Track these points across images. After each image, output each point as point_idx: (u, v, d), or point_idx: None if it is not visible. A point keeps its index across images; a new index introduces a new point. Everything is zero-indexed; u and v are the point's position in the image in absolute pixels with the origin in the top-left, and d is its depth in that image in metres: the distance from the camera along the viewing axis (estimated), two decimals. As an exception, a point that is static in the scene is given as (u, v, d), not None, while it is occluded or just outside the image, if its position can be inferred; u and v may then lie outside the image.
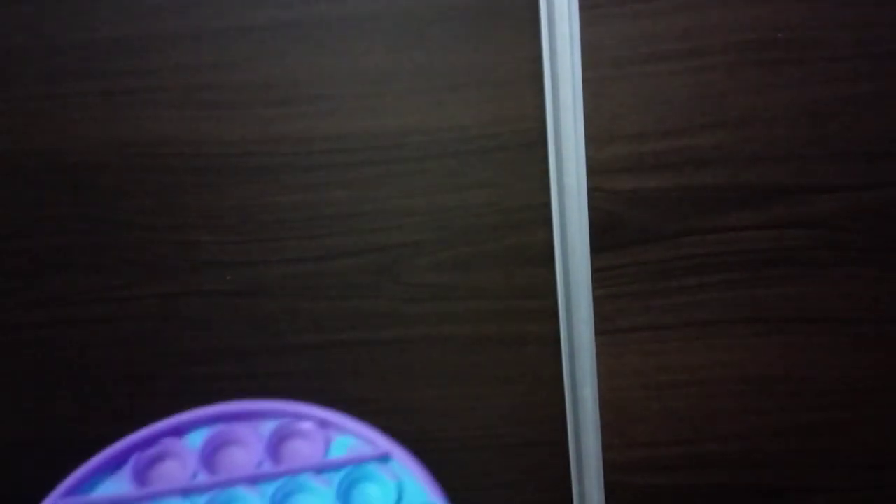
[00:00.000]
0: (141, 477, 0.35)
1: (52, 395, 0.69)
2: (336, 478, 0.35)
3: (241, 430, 0.36)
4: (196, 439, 0.36)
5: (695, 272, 0.65)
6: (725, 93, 0.62)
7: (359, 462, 0.36)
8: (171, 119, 0.64)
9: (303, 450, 0.37)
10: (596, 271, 0.65)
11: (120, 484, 0.35)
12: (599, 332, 0.67)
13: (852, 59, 0.60)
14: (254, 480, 0.35)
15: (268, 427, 0.36)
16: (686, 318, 0.66)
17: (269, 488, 0.35)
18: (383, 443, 0.36)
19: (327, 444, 0.37)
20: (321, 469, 0.35)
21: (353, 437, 0.37)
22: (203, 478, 0.35)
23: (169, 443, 0.36)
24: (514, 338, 0.68)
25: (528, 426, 0.71)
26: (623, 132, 0.62)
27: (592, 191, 0.63)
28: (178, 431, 0.36)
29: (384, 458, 0.36)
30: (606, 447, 0.70)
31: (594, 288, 0.66)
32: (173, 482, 0.35)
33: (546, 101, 0.62)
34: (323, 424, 0.37)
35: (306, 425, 0.37)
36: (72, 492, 0.34)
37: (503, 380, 0.70)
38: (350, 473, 0.36)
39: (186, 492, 0.34)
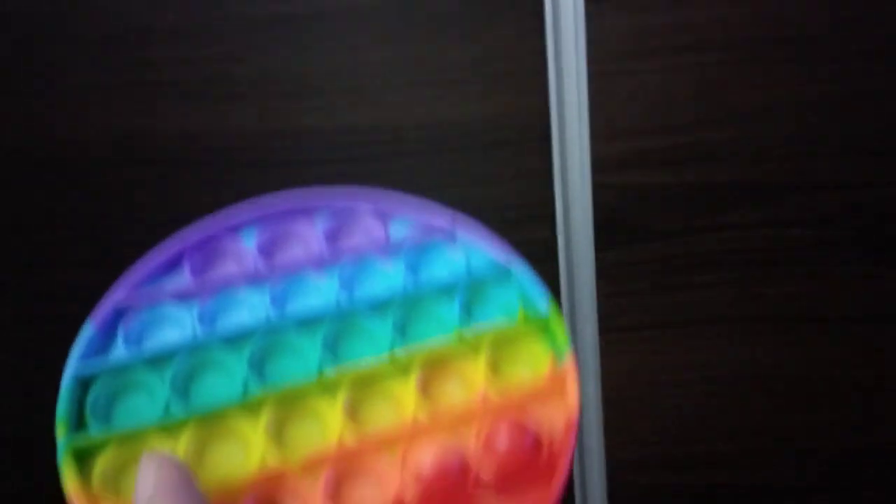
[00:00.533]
0: (200, 274, 0.33)
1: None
2: (401, 255, 0.34)
3: (293, 224, 0.35)
4: (249, 238, 0.34)
5: (699, 270, 0.65)
6: (731, 89, 0.61)
7: (423, 238, 0.34)
8: (169, 112, 0.63)
9: (361, 236, 0.35)
10: (599, 268, 0.65)
11: (181, 279, 0.33)
12: (603, 329, 0.66)
13: (856, 55, 0.60)
14: (319, 264, 0.33)
15: (321, 219, 0.35)
16: (690, 315, 0.66)
17: (336, 271, 0.33)
18: (445, 214, 0.34)
19: (386, 228, 0.35)
20: (385, 249, 0.34)
21: (411, 219, 0.35)
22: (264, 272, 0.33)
23: (223, 241, 0.34)
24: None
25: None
26: (628, 128, 0.62)
27: (596, 187, 0.63)
28: (231, 229, 0.34)
29: (449, 232, 0.34)
30: (609, 445, 0.70)
31: (598, 285, 0.65)
32: (232, 279, 0.33)
33: (550, 95, 0.61)
34: (379, 209, 0.35)
35: (361, 215, 0.35)
36: (129, 291, 0.32)
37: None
38: (415, 249, 0.34)
39: (253, 280, 0.33)
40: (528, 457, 0.30)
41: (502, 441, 0.30)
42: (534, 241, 0.65)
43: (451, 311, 0.33)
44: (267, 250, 0.34)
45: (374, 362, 0.31)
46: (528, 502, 0.30)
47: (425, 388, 0.31)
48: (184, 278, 0.33)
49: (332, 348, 0.32)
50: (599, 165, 0.63)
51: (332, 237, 0.35)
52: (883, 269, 0.65)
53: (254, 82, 0.63)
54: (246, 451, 0.30)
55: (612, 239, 0.64)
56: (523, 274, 0.33)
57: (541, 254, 0.66)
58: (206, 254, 0.34)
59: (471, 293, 0.33)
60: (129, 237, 0.66)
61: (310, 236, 0.34)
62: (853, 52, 0.60)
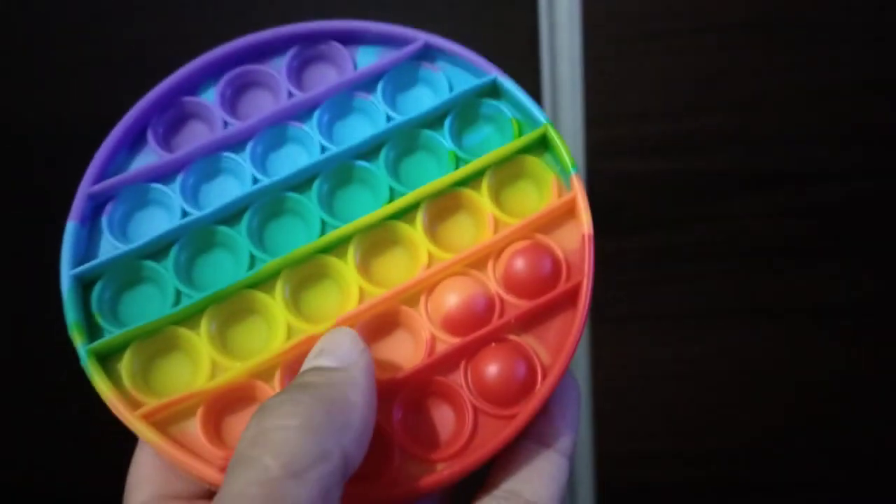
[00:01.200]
0: (166, 145, 0.31)
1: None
2: (377, 86, 0.31)
3: (254, 71, 0.32)
4: (209, 94, 0.31)
5: (693, 260, 0.64)
6: (728, 75, 0.61)
7: (397, 62, 0.31)
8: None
9: (329, 72, 0.32)
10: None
11: (148, 159, 0.31)
12: (595, 320, 0.66)
13: (858, 43, 0.60)
14: (292, 113, 0.31)
15: (283, 61, 0.32)
16: (683, 307, 0.65)
17: (314, 118, 0.31)
18: (416, 35, 0.32)
19: (354, 60, 0.32)
20: (359, 80, 0.31)
21: (379, 46, 0.32)
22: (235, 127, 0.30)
23: (183, 103, 0.31)
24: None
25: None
26: (623, 113, 0.61)
27: (589, 174, 0.62)
28: (189, 89, 0.32)
29: (422, 54, 0.32)
30: (599, 439, 0.69)
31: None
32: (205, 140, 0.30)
33: (543, 80, 0.60)
34: (343, 39, 0.32)
35: (324, 46, 0.32)
36: (99, 178, 0.30)
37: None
38: (391, 79, 0.31)
39: (228, 142, 0.30)
40: (549, 281, 0.29)
41: (521, 270, 0.29)
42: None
43: (442, 139, 0.31)
44: (230, 104, 0.32)
45: (376, 213, 0.29)
46: (553, 332, 0.29)
47: (433, 229, 0.30)
48: (153, 153, 0.31)
49: (329, 205, 0.30)
50: (593, 152, 0.62)
51: (299, 77, 0.32)
52: (879, 261, 0.64)
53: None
54: (269, 325, 0.29)
55: (606, 227, 0.63)
56: (515, 91, 0.31)
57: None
58: (169, 121, 0.32)
59: (461, 116, 0.31)
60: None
61: (274, 80, 0.32)
62: (852, 40, 0.60)
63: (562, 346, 0.28)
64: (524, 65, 0.60)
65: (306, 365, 0.26)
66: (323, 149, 0.30)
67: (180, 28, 0.61)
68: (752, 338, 0.66)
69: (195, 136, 0.31)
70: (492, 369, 0.27)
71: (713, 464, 0.69)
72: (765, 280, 0.65)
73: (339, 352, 0.25)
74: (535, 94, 0.61)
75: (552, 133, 0.30)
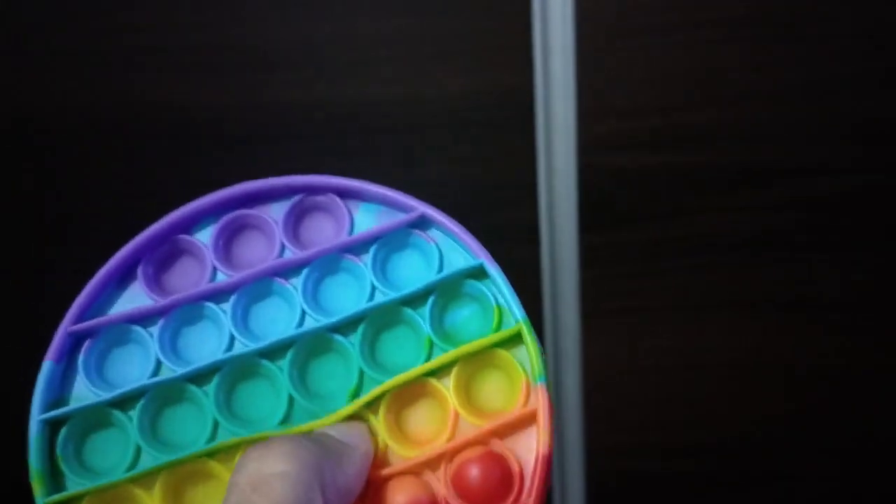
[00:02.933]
0: (155, 284, 0.32)
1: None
2: (369, 250, 0.32)
3: (251, 215, 0.33)
4: (204, 234, 0.32)
5: (685, 253, 0.64)
6: (721, 69, 0.60)
7: (391, 230, 0.32)
8: (149, 83, 0.62)
9: (325, 226, 0.33)
10: (583, 251, 0.64)
11: (135, 296, 0.32)
12: (585, 313, 0.66)
13: (851, 38, 0.60)
14: (281, 270, 0.32)
15: (281, 208, 0.32)
16: (675, 300, 0.66)
17: (301, 279, 0.31)
18: (414, 204, 0.32)
19: (351, 216, 0.33)
20: (351, 244, 0.32)
21: (377, 204, 0.33)
22: (224, 275, 0.32)
23: (177, 241, 0.32)
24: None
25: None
26: (616, 107, 0.61)
27: (582, 168, 0.62)
28: (184, 227, 0.32)
29: (418, 223, 0.32)
30: (589, 431, 0.69)
31: (581, 268, 0.65)
32: (192, 284, 0.32)
33: (536, 73, 0.60)
34: (342, 194, 0.33)
35: (323, 198, 0.33)
36: (83, 317, 0.31)
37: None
38: (383, 244, 0.32)
39: (213, 295, 0.31)
40: (500, 490, 0.29)
41: (473, 478, 0.29)
42: (516, 222, 0.64)
43: (423, 319, 0.31)
44: (224, 247, 0.32)
45: (344, 410, 0.30)
46: None
47: (396, 418, 0.30)
48: (139, 293, 0.31)
49: (302, 379, 0.31)
50: (585, 146, 0.62)
51: (297, 226, 0.33)
52: (872, 255, 0.64)
53: (235, 53, 0.61)
54: (223, 492, 0.29)
55: (597, 221, 0.63)
56: (500, 279, 0.31)
57: (523, 235, 0.65)
58: (160, 258, 0.32)
59: (443, 294, 0.32)
60: (97, 208, 0.64)
61: (270, 228, 0.32)
62: (845, 35, 0.59)
63: None
64: (517, 59, 0.60)
65: (317, 431, 0.27)
66: (303, 313, 0.31)
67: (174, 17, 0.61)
68: (744, 331, 0.66)
69: (186, 275, 0.32)
70: None
71: (704, 456, 0.70)
72: (756, 274, 0.65)
73: (349, 434, 0.27)
74: (529, 88, 0.60)
75: (526, 334, 0.30)
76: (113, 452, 0.30)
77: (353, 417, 0.30)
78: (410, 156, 0.63)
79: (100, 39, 0.61)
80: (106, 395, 0.30)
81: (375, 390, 0.30)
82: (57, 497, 0.29)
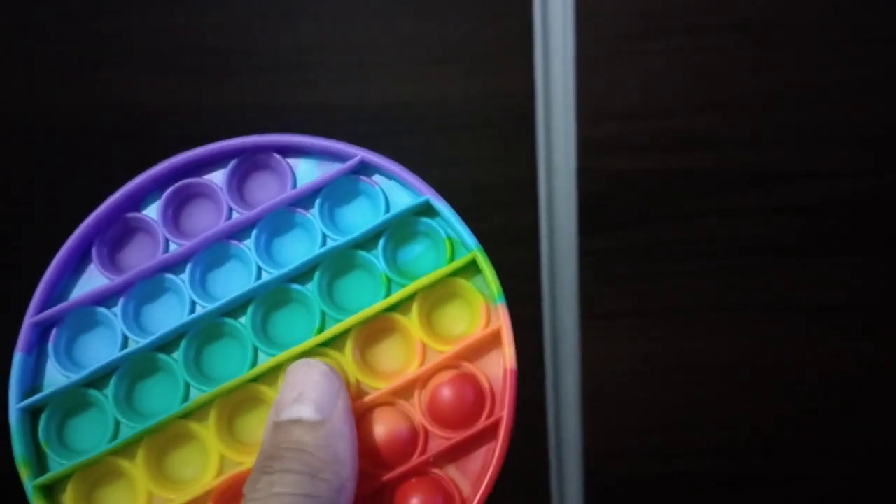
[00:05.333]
0: (110, 264, 0.32)
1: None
2: (315, 201, 0.32)
3: (195, 184, 0.33)
4: (152, 210, 0.33)
5: (684, 257, 0.64)
6: (720, 74, 0.61)
7: (333, 178, 0.33)
8: (144, 83, 0.62)
9: (269, 184, 0.33)
10: (583, 254, 0.64)
11: (93, 279, 0.32)
12: (584, 315, 0.66)
13: (848, 43, 0.60)
14: (232, 233, 0.32)
15: (224, 173, 0.33)
16: (674, 303, 0.66)
17: (252, 236, 0.32)
18: (353, 151, 0.33)
19: (293, 171, 0.33)
20: (297, 197, 0.32)
21: (318, 157, 0.33)
22: (177, 246, 0.32)
23: (126, 220, 0.33)
24: (495, 320, 0.67)
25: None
26: (615, 111, 0.61)
27: (581, 171, 0.62)
28: (131, 204, 0.33)
29: (360, 169, 0.33)
30: (588, 434, 0.69)
31: (580, 271, 0.65)
32: (147, 259, 0.32)
33: (536, 76, 0.60)
34: (282, 151, 0.33)
35: (265, 158, 0.33)
36: (45, 306, 0.32)
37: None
38: (328, 193, 0.33)
39: (168, 266, 0.32)
40: (474, 410, 0.30)
41: (446, 402, 0.30)
42: (516, 224, 0.64)
43: (376, 261, 0.32)
44: (173, 219, 0.33)
45: (306, 343, 0.30)
46: (475, 464, 0.30)
47: (363, 355, 0.31)
48: (96, 275, 0.32)
49: (264, 331, 0.31)
50: (585, 149, 0.62)
51: (241, 187, 0.33)
52: (869, 259, 0.64)
53: (233, 55, 0.61)
54: (204, 453, 0.30)
55: (596, 224, 0.64)
56: (448, 212, 0.32)
57: (523, 238, 0.65)
58: (113, 238, 0.33)
59: (395, 235, 0.32)
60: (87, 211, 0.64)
61: (216, 193, 0.33)
62: (840, 41, 0.60)
63: (481, 480, 0.29)
64: (517, 61, 0.60)
65: (286, 413, 0.26)
66: (259, 270, 0.32)
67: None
68: (741, 334, 0.66)
69: (140, 251, 0.33)
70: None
71: (701, 459, 0.70)
72: (753, 277, 0.65)
73: (318, 396, 0.26)
74: (528, 92, 0.60)
75: (481, 259, 0.31)
76: (94, 431, 0.31)
77: (318, 354, 0.30)
78: (411, 158, 0.63)
79: (100, 41, 0.61)
80: (77, 376, 0.30)
81: (337, 326, 0.30)
82: (44, 479, 0.29)
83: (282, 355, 0.30)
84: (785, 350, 0.67)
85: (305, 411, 0.26)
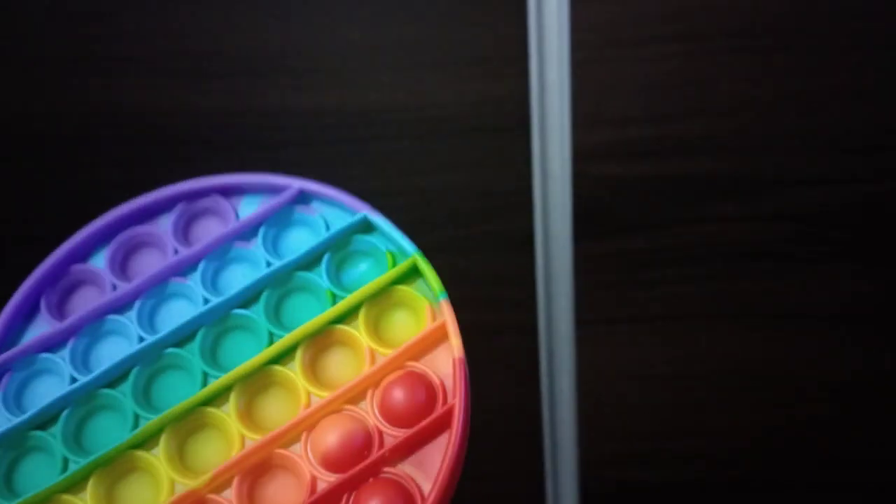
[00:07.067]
0: (58, 313, 0.33)
1: None
2: (258, 232, 0.33)
3: (141, 233, 0.34)
4: (99, 260, 0.33)
5: (679, 263, 0.64)
6: (715, 80, 0.61)
7: (273, 210, 0.33)
8: (141, 88, 0.62)
9: (213, 226, 0.34)
10: (577, 260, 0.64)
11: (42, 327, 0.32)
12: (579, 322, 0.66)
13: (843, 49, 0.60)
14: (177, 270, 0.33)
15: (169, 219, 0.34)
16: (669, 310, 0.66)
17: (198, 272, 0.33)
18: (289, 182, 0.34)
19: (236, 211, 0.34)
20: (239, 231, 0.33)
21: (259, 194, 0.34)
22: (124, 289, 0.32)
23: (75, 270, 0.33)
24: (490, 327, 0.67)
25: (502, 417, 0.70)
26: (610, 117, 0.61)
27: (576, 177, 0.62)
28: (80, 255, 0.33)
29: (299, 199, 0.34)
30: (583, 440, 0.69)
31: (575, 277, 0.65)
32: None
33: (531, 82, 0.60)
34: (225, 192, 0.34)
35: (208, 201, 0.34)
36: None
37: (478, 369, 0.68)
38: (271, 225, 0.33)
39: (115, 306, 0.32)
40: (425, 407, 0.30)
41: (398, 400, 0.30)
42: (511, 230, 0.64)
43: (319, 280, 0.32)
44: (120, 267, 0.33)
45: (255, 360, 0.31)
46: (431, 458, 0.29)
47: (312, 369, 0.31)
48: (45, 322, 0.32)
49: (213, 356, 0.31)
50: (580, 155, 0.62)
51: (184, 233, 0.34)
52: (862, 266, 0.65)
53: (229, 59, 0.61)
54: (154, 483, 0.30)
55: (591, 230, 0.64)
56: (385, 225, 0.33)
57: (518, 244, 0.65)
58: (62, 289, 0.33)
59: (337, 254, 0.33)
60: (92, 214, 0.64)
61: (161, 239, 0.34)
62: (840, 46, 0.60)
63: (439, 472, 0.29)
64: (512, 67, 0.60)
65: None
66: (206, 301, 0.32)
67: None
68: (735, 341, 0.66)
69: (88, 300, 0.33)
70: None
71: (695, 466, 0.70)
72: (747, 284, 0.65)
73: None
74: (524, 98, 0.60)
75: (421, 262, 0.32)
76: (42, 474, 0.30)
77: (264, 370, 0.31)
78: (406, 164, 0.63)
79: (97, 46, 0.61)
80: (23, 417, 0.30)
81: (284, 339, 0.31)
82: None
83: (230, 375, 0.30)
84: (780, 357, 0.67)
85: None
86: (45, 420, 0.30)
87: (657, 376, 0.67)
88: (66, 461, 0.30)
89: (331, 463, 0.29)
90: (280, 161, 0.63)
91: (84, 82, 0.61)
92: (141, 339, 0.31)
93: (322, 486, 0.29)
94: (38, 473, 0.30)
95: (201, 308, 0.32)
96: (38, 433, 0.30)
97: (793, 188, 0.63)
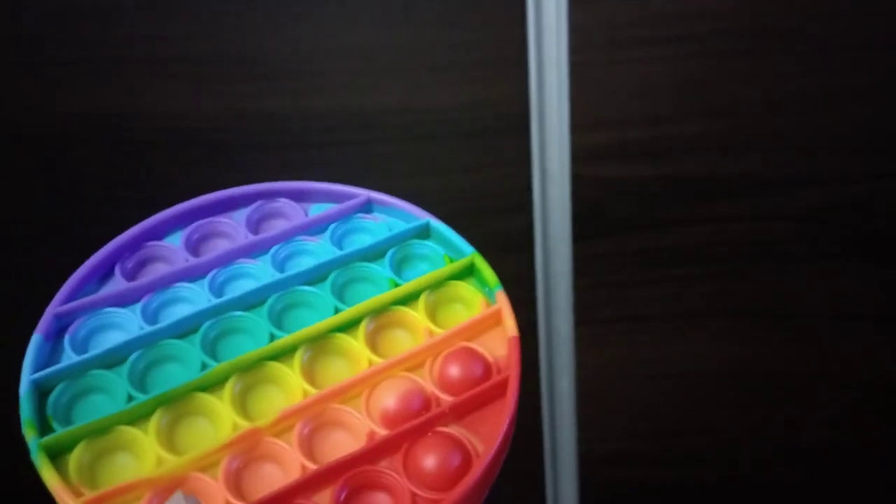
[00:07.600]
0: (133, 279, 0.34)
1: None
2: (326, 232, 0.36)
3: (216, 222, 0.36)
4: (175, 239, 0.35)
5: (676, 263, 0.65)
6: (711, 81, 0.61)
7: (342, 214, 0.36)
8: (141, 91, 0.62)
9: (283, 224, 0.37)
10: (576, 260, 0.64)
11: (116, 286, 0.34)
12: (578, 321, 0.66)
13: (838, 50, 0.60)
14: (248, 252, 0.35)
15: (243, 213, 0.36)
16: (666, 309, 0.66)
17: (268, 256, 0.35)
18: (358, 191, 0.37)
19: (306, 213, 0.37)
20: (308, 227, 0.36)
21: (329, 203, 0.37)
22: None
23: (151, 246, 0.35)
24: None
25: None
26: (608, 118, 0.61)
27: (575, 178, 0.62)
28: (156, 234, 0.35)
29: (366, 207, 0.37)
30: (583, 439, 0.69)
31: (574, 277, 0.65)
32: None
33: (531, 84, 0.60)
34: (298, 196, 0.37)
35: (281, 202, 0.37)
36: (67, 301, 0.33)
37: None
38: (338, 226, 0.36)
39: (188, 275, 0.34)
40: (480, 380, 0.31)
41: (454, 370, 0.31)
42: (511, 230, 0.65)
43: (382, 270, 0.34)
44: (193, 249, 0.35)
45: (321, 324, 0.32)
46: (486, 422, 0.31)
47: (373, 341, 0.33)
48: (118, 284, 0.33)
49: (278, 321, 0.33)
50: (579, 156, 0.62)
51: (256, 228, 0.36)
52: (860, 265, 0.65)
53: (230, 62, 0.61)
54: (215, 422, 0.30)
55: (590, 230, 0.64)
56: (443, 228, 0.35)
57: (518, 244, 0.65)
58: (136, 259, 0.35)
59: (398, 253, 0.35)
60: (96, 217, 0.64)
61: (234, 230, 0.36)
62: (834, 47, 0.60)
63: (494, 435, 0.30)
64: (511, 69, 0.61)
65: None
66: (274, 278, 0.34)
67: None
68: (734, 340, 0.67)
69: (160, 272, 0.34)
70: (427, 458, 0.29)
71: (695, 464, 0.70)
72: (746, 283, 0.65)
73: None
74: (523, 99, 0.61)
75: (478, 260, 0.34)
76: (103, 410, 0.30)
77: (328, 336, 0.32)
78: (407, 166, 0.63)
79: (98, 50, 0.61)
80: (92, 353, 0.31)
81: (349, 311, 0.33)
82: (50, 438, 0.29)
83: (297, 335, 0.32)
84: (778, 355, 0.67)
85: None
86: (110, 363, 0.31)
87: (656, 376, 0.68)
88: (130, 398, 0.30)
89: (389, 421, 0.30)
90: (281, 162, 0.63)
91: (84, 85, 0.62)
92: (210, 304, 0.33)
93: (380, 437, 0.30)
94: (99, 411, 0.30)
95: (269, 282, 0.33)
96: (105, 372, 0.31)
97: (790, 188, 0.63)
